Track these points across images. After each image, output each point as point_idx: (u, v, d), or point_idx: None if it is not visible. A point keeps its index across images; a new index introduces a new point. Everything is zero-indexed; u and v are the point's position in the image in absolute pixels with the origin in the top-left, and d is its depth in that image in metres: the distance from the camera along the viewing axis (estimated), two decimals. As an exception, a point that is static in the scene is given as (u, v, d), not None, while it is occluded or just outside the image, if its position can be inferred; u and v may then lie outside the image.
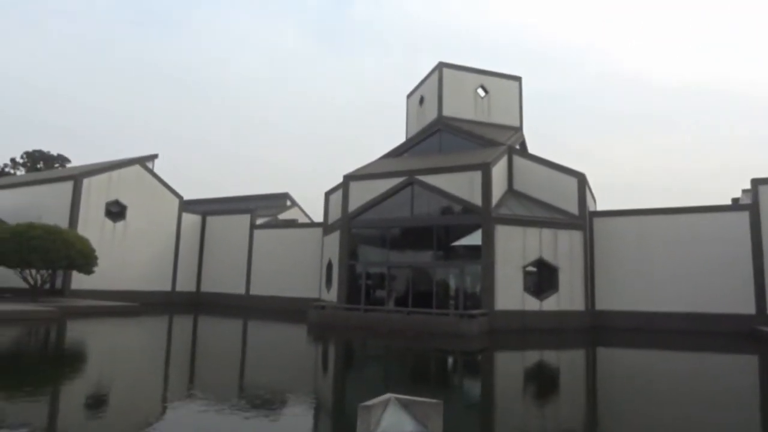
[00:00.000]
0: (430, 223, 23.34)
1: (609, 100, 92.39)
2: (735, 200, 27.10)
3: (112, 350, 13.82)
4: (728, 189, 64.09)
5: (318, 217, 39.47)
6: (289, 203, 40.77)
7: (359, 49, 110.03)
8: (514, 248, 21.60)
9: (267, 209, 37.60)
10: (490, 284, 21.04)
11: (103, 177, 30.98)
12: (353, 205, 25.08)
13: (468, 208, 22.27)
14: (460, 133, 27.72)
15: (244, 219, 34.41)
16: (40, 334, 16.52)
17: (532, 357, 15.24)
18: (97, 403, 7.88)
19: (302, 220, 38.74)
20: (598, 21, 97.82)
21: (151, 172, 33.57)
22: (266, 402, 8.11)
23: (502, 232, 21.56)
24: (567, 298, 22.13)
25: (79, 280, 28.84)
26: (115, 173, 31.57)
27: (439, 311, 20.65)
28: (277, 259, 32.42)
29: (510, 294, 21.23)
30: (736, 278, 21.51)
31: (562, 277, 22.13)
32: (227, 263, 34.35)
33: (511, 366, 13.78)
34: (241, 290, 33.42)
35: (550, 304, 21.81)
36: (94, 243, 27.85)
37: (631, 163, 79.61)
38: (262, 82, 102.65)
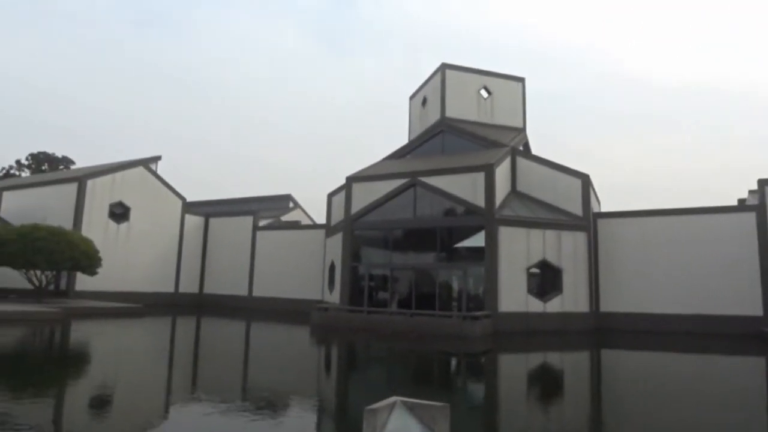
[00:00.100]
0: (433, 224, 23.28)
1: (609, 100, 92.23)
2: (741, 201, 26.93)
3: (117, 351, 13.83)
4: (728, 189, 63.78)
5: (320, 216, 39.53)
6: (291, 205, 40.81)
7: (359, 49, 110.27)
8: (518, 250, 21.51)
9: (270, 211, 37.65)
10: (493, 286, 20.96)
11: (106, 179, 31.09)
12: (356, 206, 25.06)
13: (471, 209, 22.21)
14: (463, 134, 27.67)
15: (247, 221, 34.46)
16: (45, 334, 16.56)
17: (536, 359, 15.16)
18: (102, 404, 7.87)
19: (305, 221, 38.76)
20: (598, 21, 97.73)
21: (155, 173, 33.66)
22: (270, 404, 8.08)
23: (505, 233, 21.48)
24: (571, 299, 22.02)
25: (83, 282, 28.92)
26: (118, 175, 31.68)
27: (442, 313, 20.57)
28: (279, 260, 32.42)
29: (513, 296, 21.14)
30: (742, 280, 21.35)
31: (566, 279, 22.02)
32: (230, 265, 34.39)
33: (515, 368, 13.71)
34: (244, 292, 33.44)
35: (554, 305, 21.70)
36: (98, 244, 27.93)
37: (631, 163, 79.43)
38: (262, 82, 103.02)
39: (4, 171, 55.27)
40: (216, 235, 35.77)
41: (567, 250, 22.24)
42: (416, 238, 23.93)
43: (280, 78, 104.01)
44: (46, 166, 55.40)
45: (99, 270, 26.88)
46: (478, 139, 27.14)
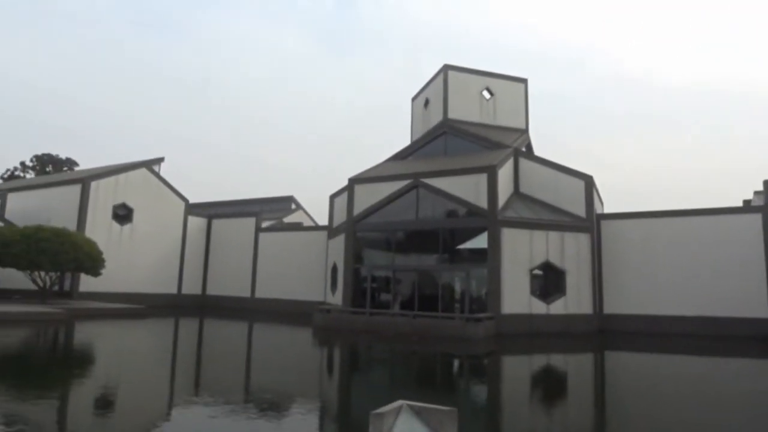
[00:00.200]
0: (435, 226, 23.25)
1: (609, 100, 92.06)
2: (746, 202, 26.79)
3: (120, 352, 13.85)
4: (728, 189, 63.59)
5: (321, 217, 39.56)
6: (293, 206, 40.86)
7: (359, 49, 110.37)
8: (521, 251, 21.45)
9: (272, 212, 37.71)
10: (496, 287, 20.90)
11: (110, 180, 31.21)
12: (358, 208, 25.06)
13: (474, 211, 22.17)
14: (465, 135, 27.64)
15: (250, 222, 34.51)
16: (49, 335, 16.62)
17: (540, 361, 15.09)
18: (105, 405, 7.87)
19: (307, 223, 38.79)
20: (598, 21, 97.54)
21: (158, 175, 33.77)
22: (273, 406, 8.06)
23: (508, 235, 21.42)
24: (574, 301, 21.93)
25: (87, 282, 29.03)
26: (122, 176, 31.80)
27: (444, 315, 20.53)
28: (282, 262, 32.45)
29: (517, 297, 21.07)
30: (748, 281, 21.22)
31: (570, 281, 21.94)
32: (233, 266, 34.44)
33: (519, 370, 13.65)
34: (247, 293, 33.47)
35: (558, 307, 21.62)
36: (102, 245, 28.04)
37: (631, 162, 79.23)
38: (262, 82, 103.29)
39: (8, 172, 55.61)
40: (219, 236, 35.84)
41: (570, 251, 22.16)
42: (419, 239, 23.89)
43: (280, 78, 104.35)
44: (50, 168, 55.69)
45: (102, 271, 26.98)
46: (480, 141, 27.10)
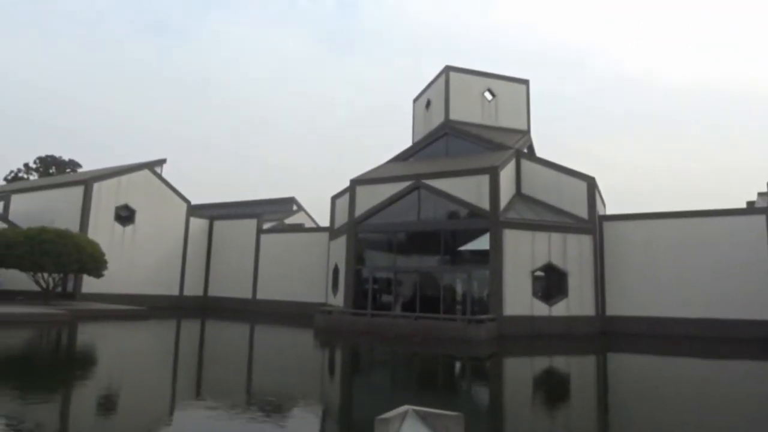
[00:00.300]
0: (437, 227, 23.24)
1: (609, 101, 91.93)
2: (750, 203, 26.70)
3: (123, 354, 13.88)
4: (728, 189, 63.44)
5: (322, 217, 39.57)
6: (295, 208, 40.90)
7: (360, 50, 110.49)
8: (523, 253, 21.41)
9: (273, 214, 37.72)
10: (498, 289, 20.86)
11: (112, 182, 31.30)
12: (360, 209, 25.06)
13: (475, 212, 22.15)
14: (467, 136, 27.63)
15: (251, 223, 34.55)
16: (52, 336, 16.66)
17: (543, 363, 15.05)
18: (108, 407, 7.89)
19: (308, 224, 38.81)
20: (597, 21, 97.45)
21: (160, 176, 33.86)
22: (275, 408, 8.06)
23: (510, 236, 21.39)
24: (577, 303, 21.87)
25: (90, 284, 29.10)
26: (124, 178, 31.89)
27: (446, 316, 20.50)
28: (283, 263, 32.47)
29: (518, 299, 21.03)
30: (752, 283, 21.13)
31: (572, 282, 21.89)
32: (234, 267, 34.48)
33: (522, 372, 13.61)
34: (248, 294, 33.50)
35: (560, 309, 21.57)
36: (104, 247, 28.11)
37: (630, 163, 79.06)
38: (262, 82, 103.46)
39: (12, 174, 55.85)
40: (220, 237, 35.89)
41: (572, 253, 22.11)
42: (420, 241, 23.88)
43: (280, 78, 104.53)
44: (53, 170, 55.91)
45: (105, 272, 27.04)
46: (482, 142, 27.09)
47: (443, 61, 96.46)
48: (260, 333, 21.42)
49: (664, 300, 22.49)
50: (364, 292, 24.41)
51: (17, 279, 28.75)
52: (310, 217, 40.90)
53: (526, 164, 25.45)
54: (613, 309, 23.28)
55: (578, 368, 14.42)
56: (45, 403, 7.94)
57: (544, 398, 9.96)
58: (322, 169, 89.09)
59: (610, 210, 28.35)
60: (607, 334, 21.91)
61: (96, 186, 30.41)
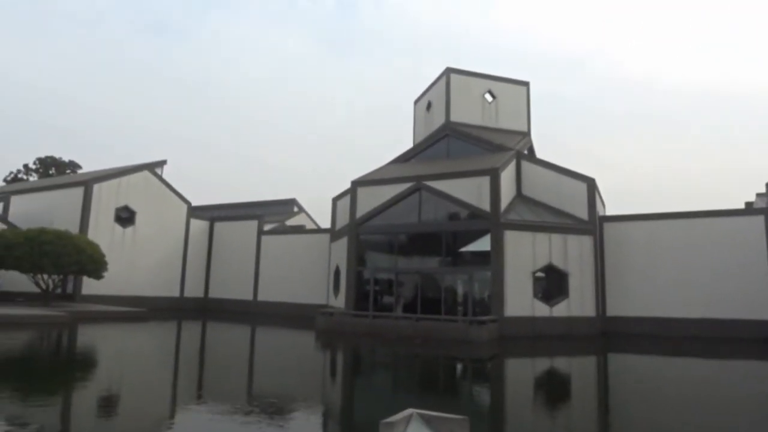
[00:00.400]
0: (438, 228, 23.24)
1: (608, 101, 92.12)
2: (749, 204, 26.75)
3: (124, 356, 13.85)
4: (728, 189, 63.53)
5: (322, 217, 39.57)
6: (296, 209, 40.89)
7: (360, 50, 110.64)
8: (524, 254, 21.42)
9: (274, 215, 37.72)
10: (499, 290, 20.87)
11: (112, 183, 31.27)
12: (361, 210, 25.06)
13: (476, 213, 22.16)
14: (467, 138, 27.66)
15: (252, 225, 34.52)
16: (52, 338, 16.62)
17: (545, 364, 15.04)
18: (109, 409, 7.86)
19: (309, 226, 38.80)
20: (598, 21, 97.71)
21: (160, 178, 33.83)
22: (277, 411, 8.04)
23: (511, 237, 21.40)
24: (577, 303, 21.88)
25: (89, 285, 29.04)
26: (124, 179, 31.86)
27: (447, 317, 20.49)
28: (284, 265, 32.44)
29: (519, 300, 21.03)
30: (751, 283, 21.16)
31: (573, 283, 21.90)
32: (235, 269, 34.44)
33: (525, 374, 13.60)
34: (249, 296, 33.45)
35: (561, 310, 21.57)
36: (104, 248, 28.05)
37: (630, 163, 79.18)
38: (262, 82, 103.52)
39: (12, 175, 55.79)
40: (221, 239, 35.85)
41: (573, 253, 22.13)
42: (421, 242, 23.89)
43: (280, 78, 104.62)
44: (53, 171, 55.85)
45: (105, 274, 26.98)
46: (482, 143, 27.12)
47: (443, 62, 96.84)
48: (261, 335, 21.39)
49: (664, 300, 22.51)
50: (366, 293, 24.39)
51: (17, 280, 28.68)
52: (311, 218, 40.90)
53: (526, 166, 25.48)
54: (614, 309, 23.29)
55: (579, 369, 14.41)
56: (45, 406, 7.91)
57: (546, 400, 9.96)
58: (322, 170, 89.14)
59: (611, 210, 28.40)
60: (608, 335, 21.91)
61: (96, 187, 30.38)
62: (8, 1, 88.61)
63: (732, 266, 21.57)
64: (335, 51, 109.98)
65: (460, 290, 22.81)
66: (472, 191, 22.38)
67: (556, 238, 22.01)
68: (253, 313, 31.44)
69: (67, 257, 24.36)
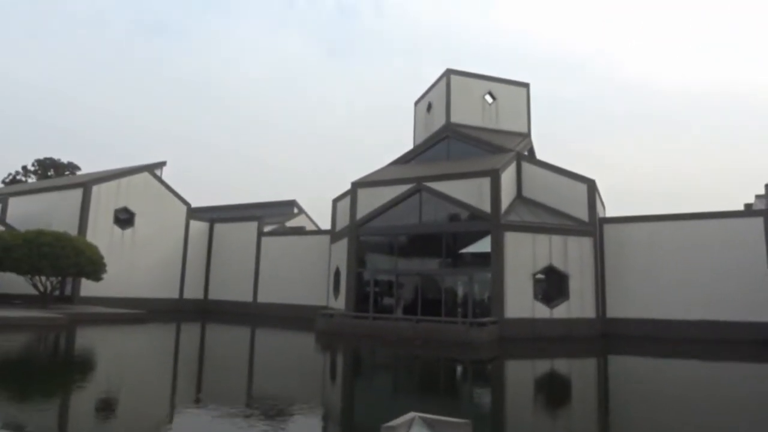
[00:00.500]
0: (438, 230, 23.19)
1: (609, 101, 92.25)
2: (748, 206, 26.74)
3: (122, 358, 13.77)
4: (728, 189, 63.57)
5: (322, 218, 39.50)
6: (296, 210, 40.83)
7: (360, 50, 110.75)
8: (524, 255, 21.38)
9: (274, 217, 37.65)
10: (499, 292, 20.82)
11: (111, 184, 31.19)
12: (361, 212, 25.01)
13: (477, 215, 22.12)
14: (468, 139, 27.64)
15: (252, 226, 34.45)
16: (50, 340, 16.53)
17: (545, 366, 14.99)
18: (107, 411, 7.80)
19: (309, 227, 38.74)
20: (598, 22, 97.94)
21: (159, 179, 33.76)
22: (278, 413, 7.98)
23: (511, 239, 21.36)
24: (578, 305, 21.84)
25: (88, 287, 28.93)
26: (123, 180, 31.79)
27: (448, 319, 20.43)
28: (284, 266, 32.36)
29: (520, 302, 20.98)
30: (751, 285, 21.12)
31: (573, 285, 21.85)
32: (235, 271, 34.35)
33: (525, 376, 13.55)
34: (249, 298, 33.36)
35: (561, 311, 21.52)
36: (103, 250, 27.95)
37: (631, 163, 79.27)
38: (262, 82, 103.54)
39: (10, 177, 55.69)
40: (221, 240, 35.77)
41: (573, 255, 22.09)
42: (422, 243, 23.84)
43: (280, 78, 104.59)
44: (52, 172, 55.75)
45: (104, 276, 26.88)
46: (483, 145, 27.11)
47: (443, 62, 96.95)
48: (261, 336, 21.32)
49: (664, 302, 22.46)
50: (366, 295, 24.33)
51: (15, 282, 28.55)
52: (311, 220, 40.84)
53: (526, 167, 25.46)
54: (614, 311, 23.24)
55: (580, 371, 14.36)
56: (43, 408, 7.84)
57: (547, 402, 9.90)
58: (322, 170, 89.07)
59: (611, 210, 28.40)
60: (608, 337, 21.87)
61: (95, 188, 30.29)
62: (8, 1, 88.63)
63: (732, 268, 21.54)
64: (335, 51, 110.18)
65: (460, 292, 22.76)
66: (472, 192, 22.34)
67: (556, 239, 21.97)
68: (252, 315, 31.36)
69: (66, 259, 24.27)
